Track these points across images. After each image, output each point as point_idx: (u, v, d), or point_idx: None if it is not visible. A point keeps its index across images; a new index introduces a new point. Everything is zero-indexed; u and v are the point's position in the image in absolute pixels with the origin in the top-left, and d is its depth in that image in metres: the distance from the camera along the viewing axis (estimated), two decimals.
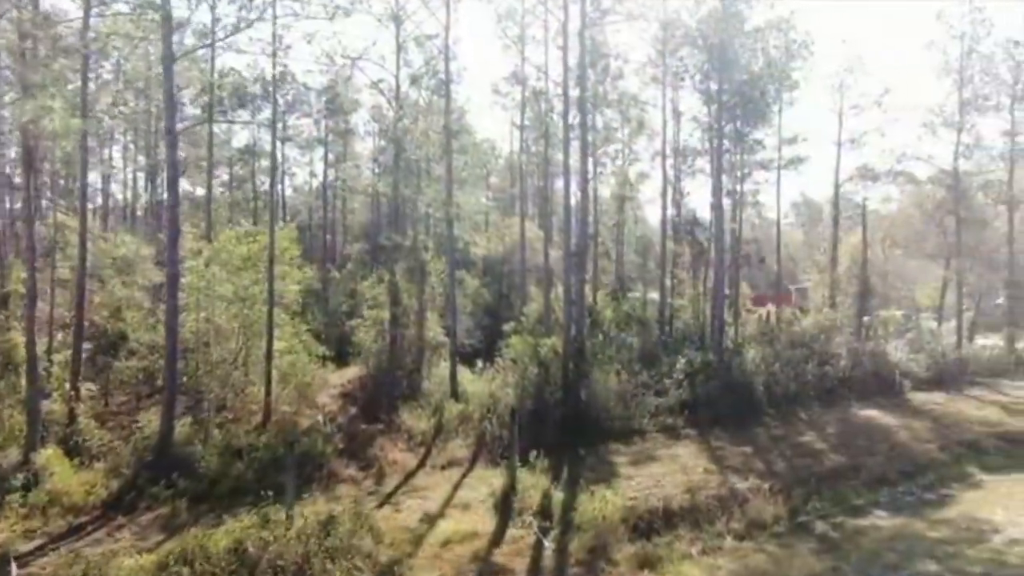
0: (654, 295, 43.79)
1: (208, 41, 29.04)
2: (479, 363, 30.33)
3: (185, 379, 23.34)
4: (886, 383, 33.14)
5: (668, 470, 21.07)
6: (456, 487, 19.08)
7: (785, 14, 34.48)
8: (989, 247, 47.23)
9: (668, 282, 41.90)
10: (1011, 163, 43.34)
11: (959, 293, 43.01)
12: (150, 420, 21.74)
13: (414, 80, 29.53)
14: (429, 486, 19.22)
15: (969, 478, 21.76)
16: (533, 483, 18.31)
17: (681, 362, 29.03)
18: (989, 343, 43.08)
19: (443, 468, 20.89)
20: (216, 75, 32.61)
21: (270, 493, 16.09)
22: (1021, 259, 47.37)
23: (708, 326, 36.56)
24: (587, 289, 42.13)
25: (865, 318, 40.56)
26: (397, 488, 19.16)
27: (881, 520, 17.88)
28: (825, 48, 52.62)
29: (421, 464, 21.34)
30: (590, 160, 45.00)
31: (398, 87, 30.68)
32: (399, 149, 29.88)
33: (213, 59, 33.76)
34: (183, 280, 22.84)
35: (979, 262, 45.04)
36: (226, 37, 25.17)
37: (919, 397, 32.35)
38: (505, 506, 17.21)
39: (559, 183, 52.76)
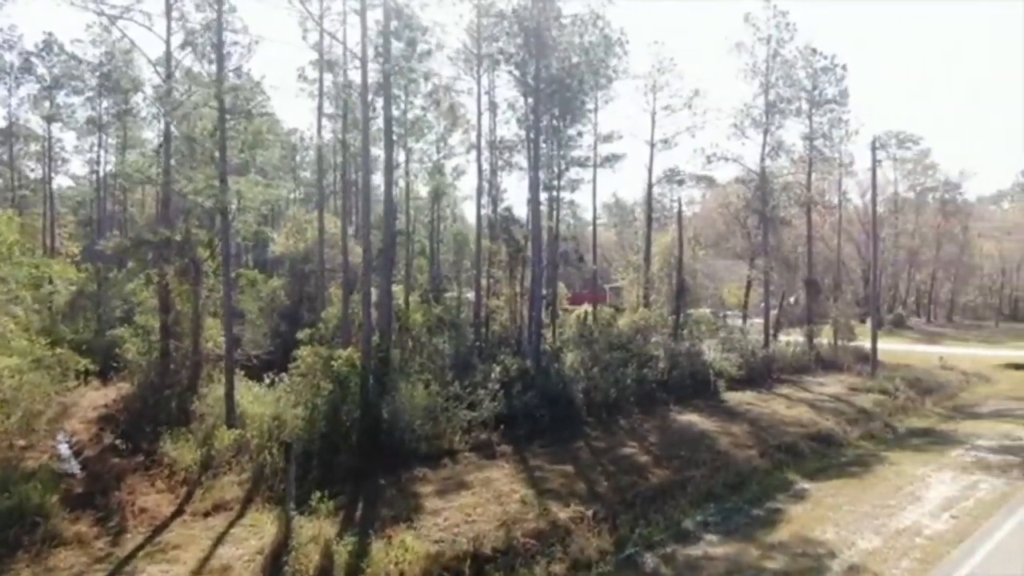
0: (472, 295, 41.46)
1: None
2: (272, 377, 26.12)
3: None
4: (702, 384, 32.64)
5: (481, 500, 18.28)
6: (218, 542, 15.16)
7: (599, 9, 33.31)
8: (788, 247, 49.08)
9: (484, 282, 39.61)
10: (809, 166, 44.95)
11: (766, 292, 43.95)
12: None
13: (186, 44, 24.89)
14: (183, 542, 15.16)
15: (792, 487, 20.80)
16: (316, 532, 14.81)
17: (496, 370, 26.47)
18: (792, 339, 44.38)
19: (207, 514, 16.82)
20: None
21: None
22: (818, 258, 49.65)
23: (526, 328, 34.54)
24: (399, 291, 39.07)
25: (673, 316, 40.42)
26: (139, 548, 14.92)
27: (713, 547, 16.06)
28: (639, 48, 52.84)
29: (179, 510, 17.12)
30: (402, 152, 42.04)
31: (169, 54, 25.94)
32: (167, 126, 25.17)
33: None
34: None
35: (781, 261, 46.47)
36: None
37: (734, 397, 32.02)
38: (275, 569, 13.61)
39: (376, 178, 49.64)
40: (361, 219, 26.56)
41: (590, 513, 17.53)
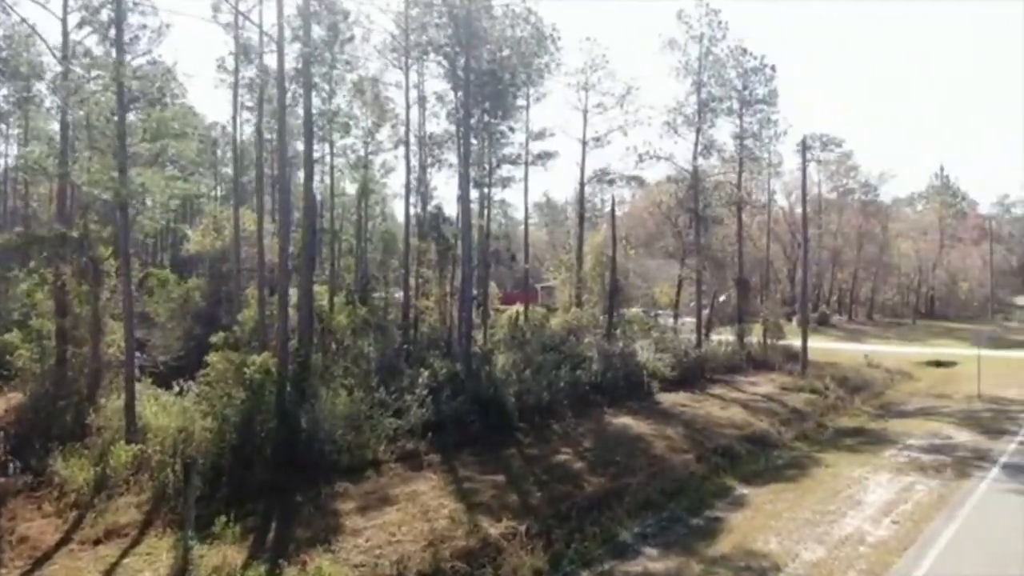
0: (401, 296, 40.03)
1: None
2: (182, 385, 24.18)
3: None
4: (636, 385, 32.03)
5: (407, 516, 17.01)
6: (109, 574, 13.52)
7: (530, 2, 32.51)
8: (719, 246, 49.16)
9: (413, 282, 38.21)
10: (740, 165, 45.04)
11: (698, 291, 43.78)
12: None
13: (83, 23, 22.83)
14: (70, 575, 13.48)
15: (731, 492, 20.17)
16: (220, 561, 13.32)
17: (424, 375, 25.19)
18: (723, 338, 44.35)
19: (98, 542, 15.06)
20: None
21: None
22: (747, 258, 49.90)
23: (456, 330, 33.36)
24: (323, 291, 37.32)
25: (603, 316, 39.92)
26: None
27: (653, 562, 15.18)
28: (572, 44, 52.13)
29: (66, 538, 15.32)
30: (326, 147, 40.34)
31: (66, 34, 23.83)
32: (63, 113, 23.08)
33: None
34: None
35: (712, 260, 46.46)
36: None
37: (668, 398, 31.50)
38: None
39: (300, 174, 47.53)
40: (279, 215, 24.89)
41: (523, 528, 16.46)
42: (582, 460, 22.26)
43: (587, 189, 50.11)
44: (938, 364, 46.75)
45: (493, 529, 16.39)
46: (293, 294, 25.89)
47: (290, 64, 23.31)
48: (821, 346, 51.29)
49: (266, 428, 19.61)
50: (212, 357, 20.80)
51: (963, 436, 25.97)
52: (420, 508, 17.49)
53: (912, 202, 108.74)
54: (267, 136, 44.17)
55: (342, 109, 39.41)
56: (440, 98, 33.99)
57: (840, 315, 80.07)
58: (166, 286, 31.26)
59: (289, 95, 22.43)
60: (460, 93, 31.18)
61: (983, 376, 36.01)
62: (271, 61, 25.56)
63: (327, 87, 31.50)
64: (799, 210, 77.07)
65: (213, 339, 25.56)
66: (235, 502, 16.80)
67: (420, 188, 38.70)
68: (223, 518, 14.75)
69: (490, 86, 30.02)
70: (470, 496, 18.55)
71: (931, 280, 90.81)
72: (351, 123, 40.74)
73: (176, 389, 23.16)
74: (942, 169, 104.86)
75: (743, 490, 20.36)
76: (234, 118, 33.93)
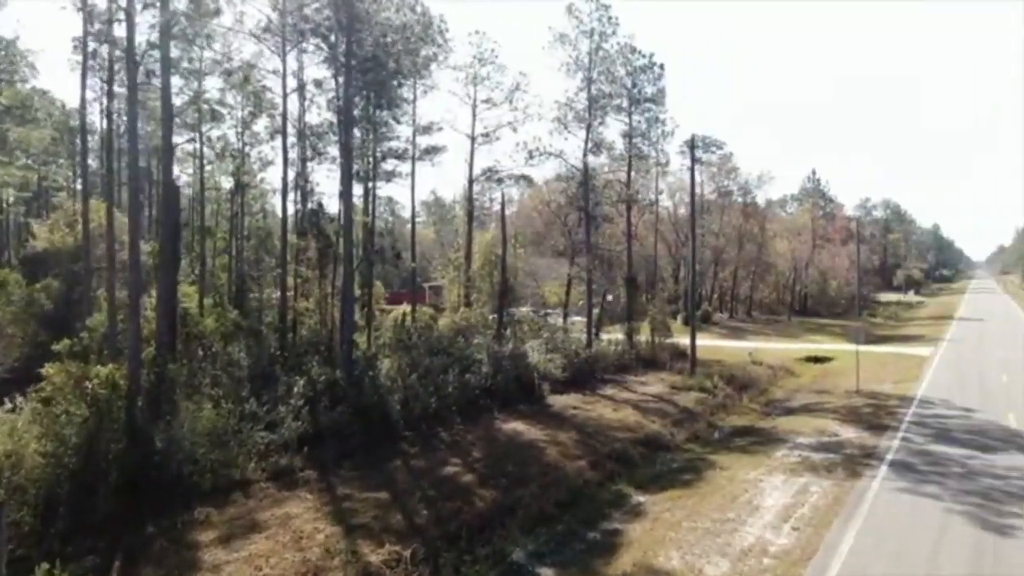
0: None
1: None
2: (14, 402, 21.09)
3: None
4: (527, 388, 31.03)
5: (276, 545, 15.18)
6: None
7: None
8: (608, 245, 48.99)
9: (291, 282, 35.78)
10: (629, 163, 44.90)
11: (588, 290, 43.28)
12: None
13: None
14: None
15: (628, 501, 19.35)
16: None
17: (300, 383, 23.18)
18: (613, 337, 44.07)
19: None
20: None
21: None
22: (635, 257, 49.91)
23: (338, 333, 31.27)
24: (192, 293, 34.44)
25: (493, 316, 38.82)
26: None
27: None
28: (460, 37, 50.78)
29: None
30: (199, 137, 37.30)
31: None
32: None
33: None
34: None
35: (602, 259, 46.17)
36: None
37: (559, 401, 30.66)
38: None
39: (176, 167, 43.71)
40: (130, 208, 22.27)
41: (408, 553, 15.02)
42: (472, 472, 20.92)
43: (476, 187, 48.88)
44: (816, 360, 48.16)
45: (374, 556, 14.84)
46: (160, 297, 23.32)
47: (149, 37, 20.74)
48: (706, 344, 51.97)
49: (113, 450, 17.22)
50: (49, 369, 18.15)
51: (849, 433, 26.25)
52: (293, 534, 15.69)
53: (785, 204, 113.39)
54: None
55: (212, 95, 36.64)
56: (319, 84, 31.80)
57: (721, 313, 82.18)
58: (4, 287, 27.72)
59: (143, 72, 19.87)
60: (341, 80, 29.20)
61: (857, 371, 37.05)
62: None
63: (189, 65, 28.75)
64: (682, 210, 78.91)
65: (56, 347, 22.81)
66: (73, 538, 14.59)
67: (299, 182, 36.37)
68: (45, 565, 12.44)
69: (373, 73, 28.16)
70: (349, 517, 16.88)
71: (804, 278, 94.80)
72: (224, 111, 37.98)
73: (8, 406, 20.19)
74: (814, 173, 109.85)
75: (640, 498, 19.56)
76: (81, 98, 30.43)
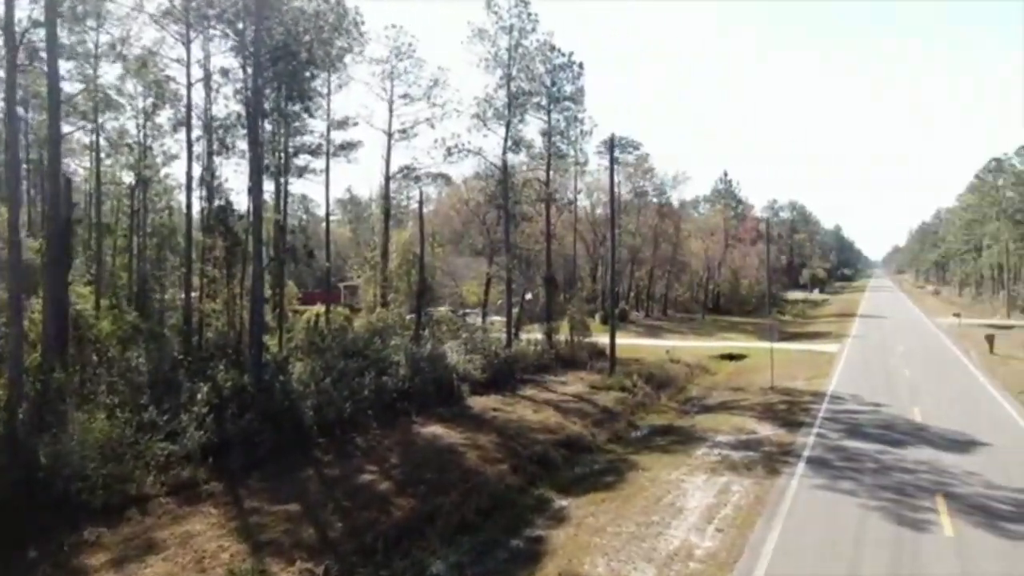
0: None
1: None
2: None
3: None
4: (446, 390, 30.30)
5: (175, 567, 14.03)
6: None
7: None
8: (527, 244, 48.67)
9: (198, 282, 34.01)
10: (548, 162, 44.64)
11: (508, 290, 42.80)
12: None
13: None
14: None
15: (551, 506, 18.90)
16: None
17: (205, 389, 21.82)
18: (532, 337, 43.75)
19: None
20: None
21: None
22: (554, 256, 49.77)
23: (247, 335, 29.80)
24: (87, 294, 32.23)
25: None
26: None
27: None
28: (378, 29, 49.52)
29: None
30: (95, 128, 35.06)
31: None
32: None
33: None
34: None
35: (521, 258, 45.81)
36: None
37: (479, 403, 30.03)
38: None
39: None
40: (7, 201, 20.46)
41: (320, 570, 14.11)
42: (389, 479, 20.10)
43: (393, 185, 47.66)
44: (731, 357, 49.09)
45: (283, 574, 13.84)
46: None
47: (32, 13, 19.04)
48: (624, 342, 52.27)
49: None
50: None
51: (766, 430, 26.55)
52: (194, 555, 14.56)
53: (697, 205, 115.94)
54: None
55: (109, 82, 34.42)
56: (226, 74, 30.18)
57: (638, 311, 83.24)
58: None
59: (24, 54, 18.16)
60: (249, 70, 27.78)
61: (770, 368, 37.81)
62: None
63: (82, 49, 26.80)
64: (600, 210, 79.56)
65: None
66: None
67: (206, 177, 34.54)
68: None
69: (284, 62, 26.87)
70: (257, 533, 15.82)
71: (717, 277, 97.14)
72: (123, 101, 35.77)
73: None
74: (725, 174, 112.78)
75: (563, 502, 19.13)
76: None
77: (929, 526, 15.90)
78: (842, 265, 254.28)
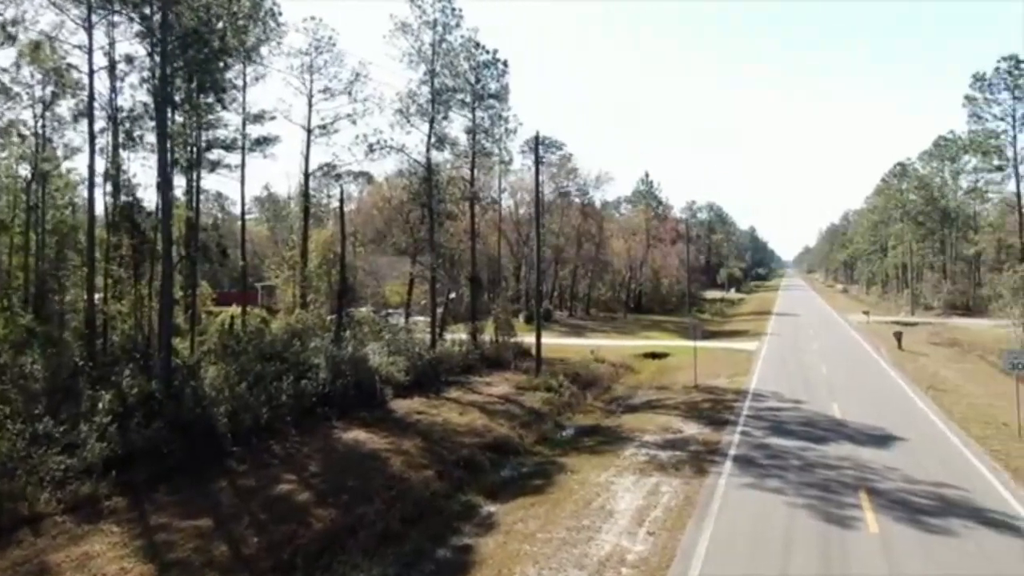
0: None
1: None
2: None
3: None
4: (368, 394, 29.39)
5: None
6: None
7: None
8: (452, 243, 48.03)
9: (102, 282, 32.03)
10: (472, 160, 44.07)
11: (432, 289, 42.02)
12: None
13: None
14: None
15: (478, 512, 18.34)
16: None
17: (107, 397, 20.40)
18: (456, 337, 43.10)
19: None
20: None
21: None
22: (478, 255, 49.13)
23: (156, 339, 28.19)
24: None
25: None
26: None
27: None
28: (296, 22, 47.85)
29: None
30: None
31: None
32: None
33: None
34: None
35: (445, 257, 45.14)
36: None
37: (403, 406, 29.26)
38: None
39: None
40: None
41: None
42: (309, 488, 19.17)
43: (313, 183, 46.35)
44: (654, 356, 49.46)
45: None
46: None
47: None
48: (548, 342, 52.02)
49: None
50: None
51: (692, 429, 26.62)
52: None
53: (619, 205, 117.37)
54: None
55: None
56: (131, 61, 28.35)
57: (562, 311, 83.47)
58: None
59: None
60: (157, 58, 26.23)
61: (692, 366, 38.20)
62: None
63: None
64: (523, 210, 79.49)
65: None
66: None
67: (112, 172, 32.59)
68: None
69: (194, 50, 25.45)
70: (165, 552, 14.73)
71: (639, 277, 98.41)
72: (18, 89, 33.44)
73: None
74: (647, 175, 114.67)
75: (490, 507, 18.60)
76: None
77: (855, 523, 16.01)
78: (757, 265, 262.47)
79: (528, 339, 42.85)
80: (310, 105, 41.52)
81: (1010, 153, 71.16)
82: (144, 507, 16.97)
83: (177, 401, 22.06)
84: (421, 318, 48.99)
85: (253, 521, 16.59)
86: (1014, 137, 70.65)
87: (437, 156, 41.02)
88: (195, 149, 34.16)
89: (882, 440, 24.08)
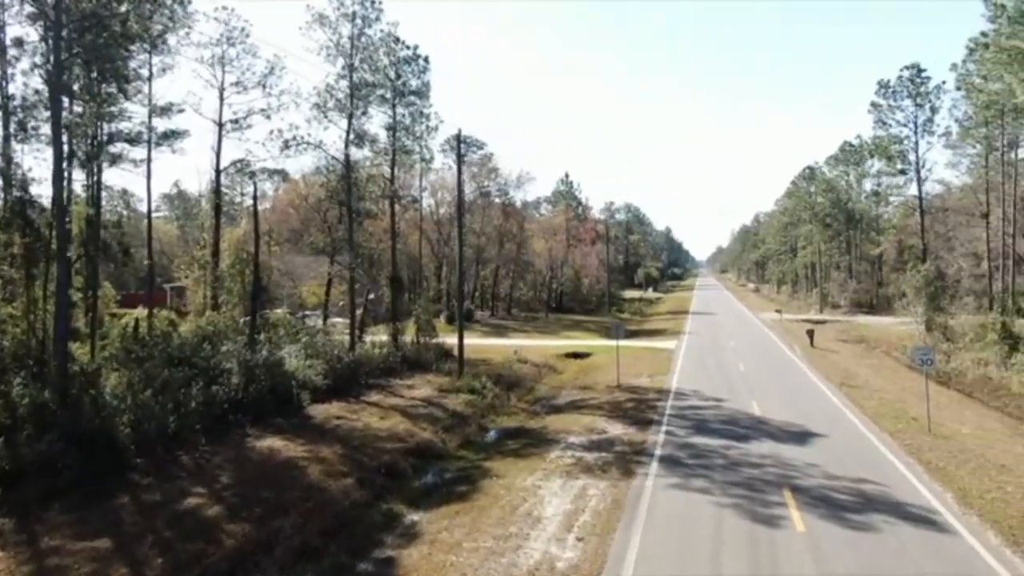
0: None
1: None
2: None
3: None
4: (284, 399, 28.29)
5: None
6: None
7: None
8: (372, 242, 46.93)
9: None
10: (393, 157, 43.10)
11: (351, 290, 40.85)
12: None
13: None
14: None
15: (401, 522, 17.61)
16: None
17: None
18: (377, 339, 42.06)
19: None
20: None
21: None
22: (398, 255, 48.18)
23: (52, 343, 26.27)
24: None
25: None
26: None
27: None
28: (208, 11, 45.79)
29: None
30: None
31: None
32: None
33: None
34: None
35: (365, 257, 44.03)
36: None
37: (321, 411, 28.23)
38: None
39: None
40: None
41: None
42: (220, 502, 18.06)
43: (225, 180, 44.46)
44: (576, 356, 49.49)
45: None
46: None
47: None
48: (471, 342, 51.40)
49: None
50: None
51: (617, 429, 26.46)
52: None
53: (539, 205, 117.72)
54: None
55: None
56: (21, 44, 26.28)
57: (483, 311, 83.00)
58: None
59: None
60: (51, 42, 24.40)
61: (614, 366, 38.27)
62: None
63: None
64: (444, 209, 78.64)
65: None
66: None
67: (2, 165, 30.31)
68: None
69: (93, 35, 23.77)
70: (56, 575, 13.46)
71: (560, 277, 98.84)
72: None
73: None
74: (567, 176, 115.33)
75: (414, 516, 17.90)
76: None
77: (782, 522, 16.02)
78: (672, 265, 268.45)
79: (450, 340, 42.18)
80: (222, 99, 39.82)
81: (912, 158, 74.27)
82: (34, 528, 15.60)
83: (74, 411, 20.50)
84: (340, 319, 47.70)
85: (158, 540, 15.42)
86: (916, 142, 73.76)
87: (356, 153, 39.95)
88: (95, 142, 32.07)
89: (802, 437, 24.45)
